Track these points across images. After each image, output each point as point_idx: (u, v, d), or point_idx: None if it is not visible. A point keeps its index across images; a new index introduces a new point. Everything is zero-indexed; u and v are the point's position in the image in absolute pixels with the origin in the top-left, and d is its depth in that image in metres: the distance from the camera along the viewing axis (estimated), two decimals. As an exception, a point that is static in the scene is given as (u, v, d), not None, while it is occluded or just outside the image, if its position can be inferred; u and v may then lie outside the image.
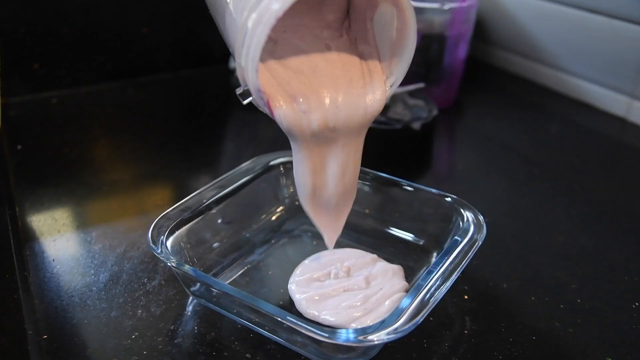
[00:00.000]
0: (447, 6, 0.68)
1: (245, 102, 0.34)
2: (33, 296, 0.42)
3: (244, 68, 0.32)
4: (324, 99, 0.35)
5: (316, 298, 0.39)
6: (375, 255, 0.44)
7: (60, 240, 0.48)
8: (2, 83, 0.72)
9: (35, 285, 0.43)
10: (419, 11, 0.70)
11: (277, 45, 0.36)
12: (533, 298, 0.43)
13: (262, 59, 0.35)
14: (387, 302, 0.39)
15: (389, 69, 0.37)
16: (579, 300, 0.43)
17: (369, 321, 0.37)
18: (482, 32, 0.88)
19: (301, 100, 0.35)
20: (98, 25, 0.77)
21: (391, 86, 0.37)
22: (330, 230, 0.42)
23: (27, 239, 0.48)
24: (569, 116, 0.77)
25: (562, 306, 0.42)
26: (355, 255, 0.44)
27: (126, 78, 0.81)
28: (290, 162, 0.51)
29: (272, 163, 0.50)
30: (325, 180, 0.38)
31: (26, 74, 0.74)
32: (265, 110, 0.35)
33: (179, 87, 0.82)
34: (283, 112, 0.35)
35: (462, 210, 0.43)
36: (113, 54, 0.79)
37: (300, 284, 0.41)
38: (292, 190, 0.51)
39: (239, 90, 0.34)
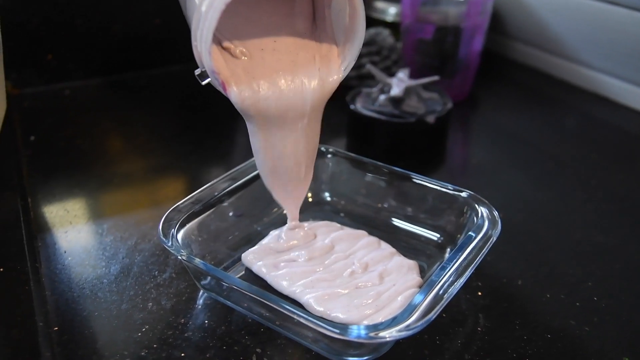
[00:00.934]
0: (463, -2, 0.67)
1: (203, 82, 0.36)
2: (44, 288, 0.42)
3: (199, 50, 0.34)
4: (279, 81, 0.37)
5: (326, 297, 0.38)
6: (393, 250, 0.44)
7: (72, 231, 0.48)
8: (15, 74, 0.72)
9: (47, 277, 0.43)
10: (434, 2, 0.69)
11: (236, 28, 0.38)
12: (548, 295, 0.42)
13: (223, 40, 0.37)
14: (399, 299, 0.38)
15: (343, 53, 0.39)
16: (595, 298, 0.42)
17: (380, 318, 0.36)
18: (499, 24, 0.87)
19: (256, 83, 0.37)
20: (110, 16, 0.76)
21: (344, 69, 0.39)
22: (292, 204, 0.43)
23: (39, 230, 0.48)
24: (586, 110, 0.75)
25: (577, 304, 0.41)
26: (343, 237, 0.45)
27: (138, 69, 0.81)
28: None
29: (284, 156, 0.50)
30: (283, 156, 0.40)
31: (39, 66, 0.74)
32: (222, 90, 0.36)
33: (192, 79, 0.81)
34: (237, 94, 0.36)
35: (476, 206, 0.43)
36: (125, 45, 0.79)
37: (257, 252, 0.42)
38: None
39: (197, 72, 0.36)
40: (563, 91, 0.79)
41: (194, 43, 0.34)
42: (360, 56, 0.64)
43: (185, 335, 0.38)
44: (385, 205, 0.48)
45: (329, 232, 0.45)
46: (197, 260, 0.38)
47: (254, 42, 0.38)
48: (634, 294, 0.43)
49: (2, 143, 0.50)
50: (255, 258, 0.43)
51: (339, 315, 0.37)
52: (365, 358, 0.36)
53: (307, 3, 0.39)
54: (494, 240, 0.39)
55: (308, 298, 0.38)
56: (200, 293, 0.41)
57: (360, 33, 0.37)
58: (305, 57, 0.39)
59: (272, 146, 0.39)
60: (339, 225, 0.47)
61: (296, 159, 0.40)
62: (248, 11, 0.39)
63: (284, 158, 0.40)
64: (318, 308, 0.38)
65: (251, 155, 0.49)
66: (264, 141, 0.39)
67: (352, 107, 0.60)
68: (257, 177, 0.48)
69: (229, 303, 0.40)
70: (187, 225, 0.42)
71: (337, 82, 0.39)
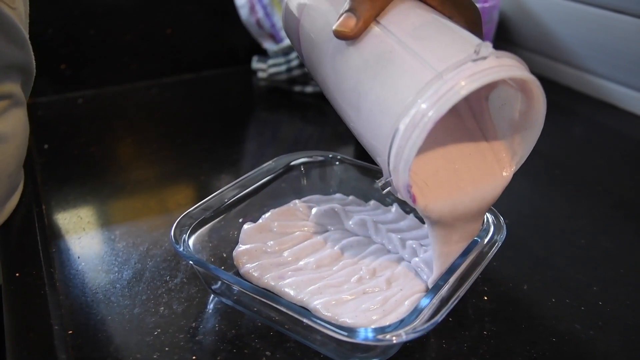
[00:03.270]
0: (469, 6, 0.68)
1: (384, 191, 0.35)
2: (59, 292, 0.43)
3: (394, 167, 0.33)
4: (459, 190, 0.37)
5: (333, 303, 0.39)
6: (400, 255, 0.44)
7: (85, 237, 0.49)
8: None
9: (61, 282, 0.44)
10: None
11: None
12: (553, 300, 0.43)
13: None
14: (406, 303, 0.39)
15: (512, 148, 0.37)
16: (600, 303, 0.42)
17: (387, 323, 0.37)
18: (505, 32, 0.87)
19: (439, 193, 0.36)
20: (123, 26, 0.78)
21: (516, 164, 0.38)
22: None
23: (53, 236, 0.49)
24: (593, 117, 0.76)
25: (583, 308, 0.42)
26: (353, 244, 0.45)
27: (150, 78, 0.82)
28: (310, 163, 0.51)
29: (293, 163, 0.51)
30: (459, 245, 0.39)
31: (53, 75, 0.76)
32: (410, 202, 0.35)
33: (202, 88, 0.83)
34: (425, 206, 0.35)
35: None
36: (138, 54, 0.80)
37: (257, 268, 0.42)
38: (312, 190, 0.51)
39: (380, 182, 0.35)
40: (569, 98, 0.80)
41: (384, 158, 0.33)
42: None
43: (197, 338, 0.39)
44: (393, 210, 0.49)
45: (340, 239, 0.46)
46: (208, 265, 0.38)
47: (432, 152, 0.37)
48: (639, 299, 0.43)
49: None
50: (257, 272, 0.42)
51: (346, 320, 0.38)
52: (374, 360, 0.36)
53: (465, 102, 0.38)
54: (499, 245, 0.40)
55: (316, 304, 0.39)
56: (211, 297, 0.42)
57: (537, 128, 0.35)
58: (478, 157, 0.38)
59: (450, 241, 0.39)
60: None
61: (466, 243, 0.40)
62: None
63: (458, 251, 0.39)
64: (326, 313, 0.38)
65: (260, 162, 0.50)
66: (443, 237, 0.38)
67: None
68: (266, 184, 0.49)
69: (239, 307, 0.41)
70: (198, 231, 0.43)
71: (508, 179, 0.38)
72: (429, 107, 0.31)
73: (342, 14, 0.35)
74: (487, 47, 0.32)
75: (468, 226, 0.38)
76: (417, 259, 0.42)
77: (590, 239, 0.50)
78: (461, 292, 0.36)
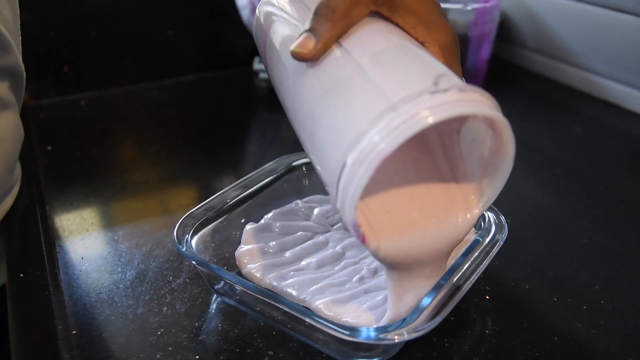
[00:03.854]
0: (470, 6, 0.68)
1: (334, 227, 0.33)
2: (63, 293, 0.43)
3: (341, 204, 0.30)
4: (416, 232, 0.34)
5: (335, 303, 0.39)
6: None
7: (89, 238, 0.49)
8: (32, 86, 0.74)
9: (65, 282, 0.44)
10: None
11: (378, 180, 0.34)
12: (555, 299, 0.43)
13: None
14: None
15: (480, 188, 0.34)
16: (602, 302, 0.43)
17: (389, 321, 0.37)
18: (506, 32, 0.87)
19: (393, 235, 0.33)
20: (124, 28, 0.78)
21: (482, 205, 0.34)
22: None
23: (56, 237, 0.49)
24: (594, 116, 0.76)
25: (584, 307, 0.42)
26: (355, 244, 0.45)
27: (152, 80, 0.82)
28: (312, 163, 0.51)
29: (295, 164, 0.51)
30: (419, 287, 0.36)
31: (56, 77, 0.76)
32: (360, 241, 0.32)
33: (204, 89, 0.83)
34: (376, 247, 0.33)
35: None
36: (139, 56, 0.81)
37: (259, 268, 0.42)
38: (314, 190, 0.51)
39: (328, 213, 0.33)
40: (570, 98, 0.80)
41: (331, 192, 0.30)
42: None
43: (200, 338, 0.39)
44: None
45: (341, 239, 0.46)
46: (211, 265, 0.39)
47: (390, 190, 0.34)
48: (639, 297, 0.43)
49: (20, 153, 0.52)
50: (259, 273, 0.42)
51: (348, 319, 0.38)
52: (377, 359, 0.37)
53: (436, 135, 0.35)
54: (500, 245, 0.40)
55: (318, 304, 0.39)
56: (214, 297, 0.42)
57: (506, 169, 0.32)
58: (445, 197, 0.35)
59: (406, 286, 0.36)
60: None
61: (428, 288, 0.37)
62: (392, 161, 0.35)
63: (420, 289, 0.36)
64: (328, 313, 0.39)
65: (262, 163, 0.50)
66: (398, 281, 0.36)
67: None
68: (268, 184, 0.49)
69: (241, 307, 0.41)
70: (201, 232, 0.43)
71: (472, 222, 0.34)
72: (378, 142, 0.28)
73: (301, 34, 0.33)
74: (449, 79, 0.30)
75: (426, 269, 0.35)
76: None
77: (592, 237, 0.50)
78: (463, 291, 0.36)
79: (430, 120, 0.27)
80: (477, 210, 0.34)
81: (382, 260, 0.34)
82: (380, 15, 0.35)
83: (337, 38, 0.33)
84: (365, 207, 0.33)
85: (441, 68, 0.31)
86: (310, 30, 0.33)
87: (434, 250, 0.34)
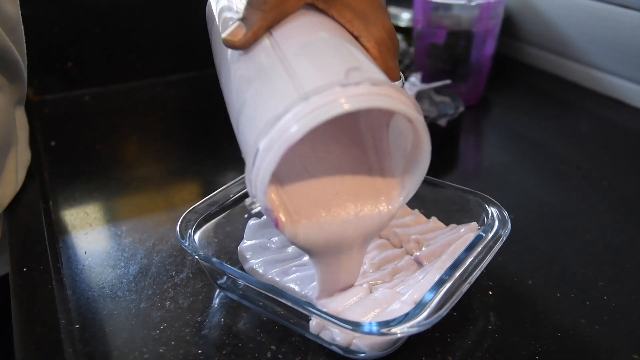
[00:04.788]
0: (474, 2, 0.68)
1: (253, 211, 0.34)
2: (66, 287, 0.43)
3: (253, 188, 0.31)
4: (332, 218, 0.35)
5: (337, 297, 0.39)
6: (404, 249, 0.44)
7: (92, 233, 0.49)
8: (36, 82, 0.74)
9: (68, 277, 0.44)
10: (447, 7, 0.70)
11: (295, 164, 0.35)
12: (558, 295, 0.43)
13: (277, 172, 0.32)
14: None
15: (402, 182, 0.35)
16: (605, 298, 0.42)
17: (391, 316, 0.37)
18: (510, 28, 0.87)
19: (308, 220, 0.34)
20: (128, 24, 0.78)
21: (402, 199, 0.35)
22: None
23: (60, 232, 0.50)
24: (598, 112, 0.76)
25: (588, 303, 0.42)
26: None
27: (155, 76, 0.82)
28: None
29: (297, 159, 0.51)
30: (339, 279, 0.38)
31: (60, 73, 0.76)
32: (274, 226, 0.34)
33: (208, 85, 0.83)
34: (290, 231, 0.34)
35: (486, 206, 0.43)
36: (143, 52, 0.81)
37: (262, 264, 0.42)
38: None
39: (247, 201, 0.34)
40: (575, 94, 0.79)
41: (247, 177, 0.31)
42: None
43: (202, 332, 0.39)
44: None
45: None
46: (214, 260, 0.39)
47: (313, 178, 0.35)
48: (644, 294, 0.43)
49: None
50: (262, 268, 0.42)
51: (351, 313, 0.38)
52: (378, 353, 0.36)
53: (368, 127, 0.36)
54: (503, 240, 0.40)
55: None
56: (217, 292, 0.42)
57: (423, 165, 0.33)
58: (368, 189, 0.36)
59: (327, 272, 0.37)
60: None
61: (351, 279, 0.39)
62: (310, 148, 0.36)
63: (340, 281, 0.38)
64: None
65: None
66: (320, 267, 0.37)
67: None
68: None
69: (244, 302, 0.41)
70: (204, 227, 0.43)
71: (393, 212, 0.36)
72: (286, 129, 0.28)
73: (233, 22, 0.34)
74: (363, 72, 0.30)
75: (349, 257, 0.37)
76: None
77: (595, 233, 0.50)
78: (466, 286, 0.36)
79: (336, 111, 0.28)
80: (397, 204, 0.36)
81: (302, 247, 0.35)
82: (317, 8, 0.35)
83: (267, 28, 0.34)
84: (285, 193, 0.34)
85: (359, 62, 0.32)
86: (242, 19, 0.34)
87: (354, 237, 0.36)
